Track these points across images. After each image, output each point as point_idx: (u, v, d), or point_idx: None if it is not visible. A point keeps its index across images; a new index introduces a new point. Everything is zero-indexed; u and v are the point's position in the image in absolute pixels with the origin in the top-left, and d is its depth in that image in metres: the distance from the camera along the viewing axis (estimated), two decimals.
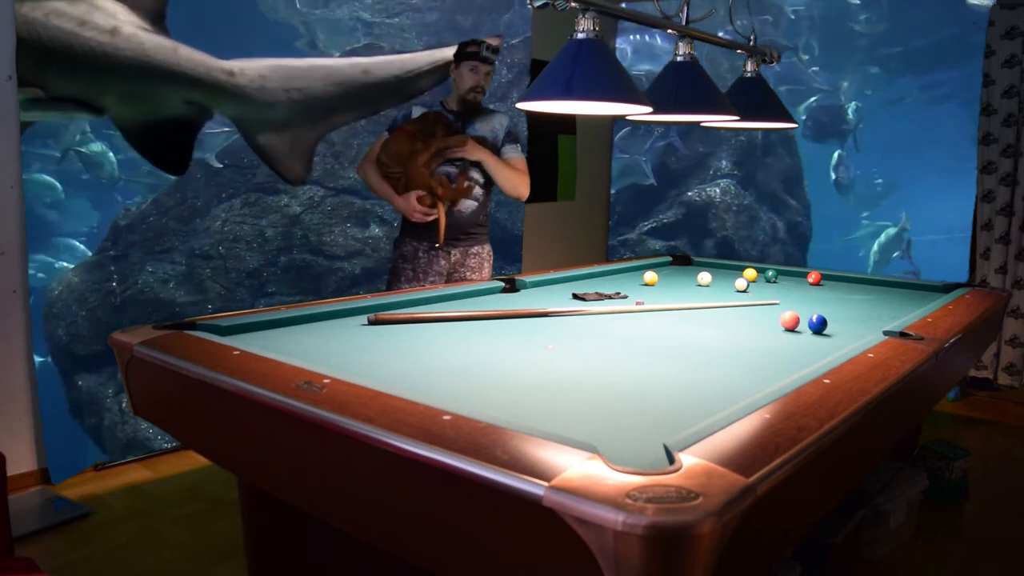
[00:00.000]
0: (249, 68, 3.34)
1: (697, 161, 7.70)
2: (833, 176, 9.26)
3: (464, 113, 3.05)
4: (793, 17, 9.06)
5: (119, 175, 4.88)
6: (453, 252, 3.08)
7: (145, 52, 3.16)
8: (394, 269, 3.13)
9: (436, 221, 2.98)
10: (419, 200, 2.93)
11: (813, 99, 9.13)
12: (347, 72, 4.11)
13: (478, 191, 3.05)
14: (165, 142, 3.34)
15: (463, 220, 3.06)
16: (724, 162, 7.68)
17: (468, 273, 3.11)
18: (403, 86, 4.43)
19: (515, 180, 3.03)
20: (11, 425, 3.02)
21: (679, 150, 7.65)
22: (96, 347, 3.84)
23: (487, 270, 3.18)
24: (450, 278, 3.08)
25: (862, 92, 9.43)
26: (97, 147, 4.96)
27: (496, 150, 3.03)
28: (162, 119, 3.31)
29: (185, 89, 3.33)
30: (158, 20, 3.23)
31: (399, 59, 4.44)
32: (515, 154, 3.06)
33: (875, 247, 9.27)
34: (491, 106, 3.17)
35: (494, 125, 3.07)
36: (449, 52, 3.22)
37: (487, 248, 3.19)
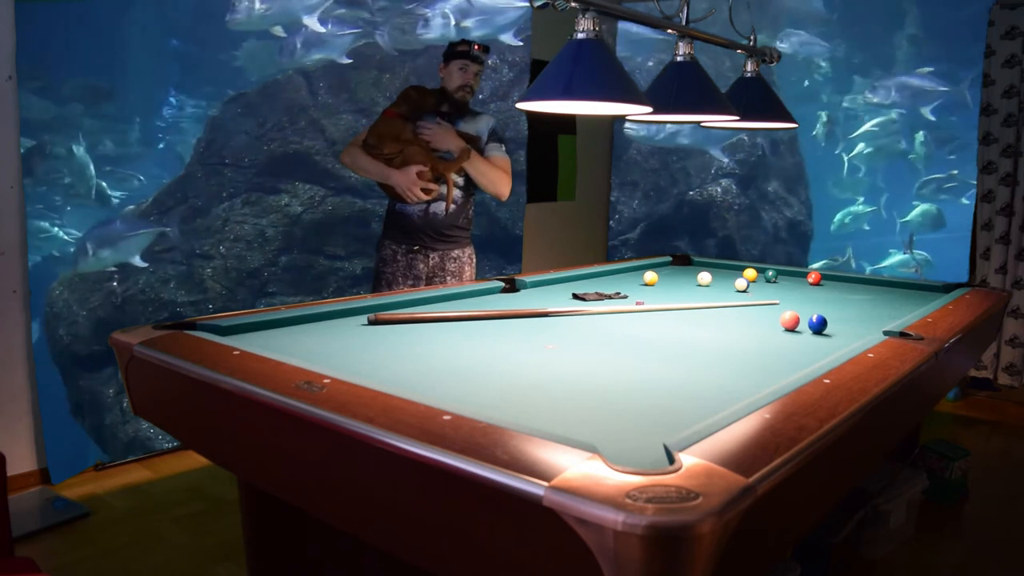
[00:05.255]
0: None
1: (698, 160, 7.68)
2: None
3: (451, 112, 3.03)
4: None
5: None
6: (432, 255, 3.04)
7: None
8: (376, 272, 3.11)
9: (430, 201, 2.98)
10: (419, 175, 2.90)
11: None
12: None
13: (457, 193, 3.03)
14: None
15: (439, 222, 3.02)
16: (725, 161, 7.66)
17: (448, 277, 3.06)
18: None
19: (493, 176, 3.00)
20: (11, 425, 3.02)
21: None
22: (96, 347, 3.83)
23: (468, 273, 3.14)
24: (429, 282, 3.04)
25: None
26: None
27: (479, 149, 3.03)
28: None
29: None
30: None
31: None
32: (498, 153, 3.05)
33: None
34: (478, 108, 3.16)
35: (479, 125, 3.06)
36: None
37: (468, 251, 3.15)
